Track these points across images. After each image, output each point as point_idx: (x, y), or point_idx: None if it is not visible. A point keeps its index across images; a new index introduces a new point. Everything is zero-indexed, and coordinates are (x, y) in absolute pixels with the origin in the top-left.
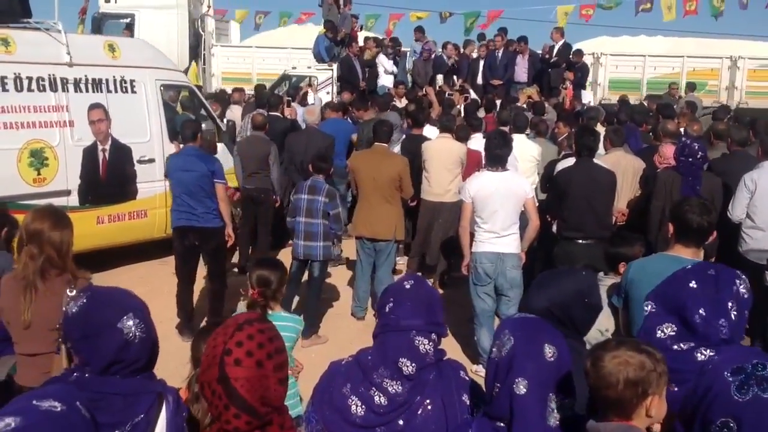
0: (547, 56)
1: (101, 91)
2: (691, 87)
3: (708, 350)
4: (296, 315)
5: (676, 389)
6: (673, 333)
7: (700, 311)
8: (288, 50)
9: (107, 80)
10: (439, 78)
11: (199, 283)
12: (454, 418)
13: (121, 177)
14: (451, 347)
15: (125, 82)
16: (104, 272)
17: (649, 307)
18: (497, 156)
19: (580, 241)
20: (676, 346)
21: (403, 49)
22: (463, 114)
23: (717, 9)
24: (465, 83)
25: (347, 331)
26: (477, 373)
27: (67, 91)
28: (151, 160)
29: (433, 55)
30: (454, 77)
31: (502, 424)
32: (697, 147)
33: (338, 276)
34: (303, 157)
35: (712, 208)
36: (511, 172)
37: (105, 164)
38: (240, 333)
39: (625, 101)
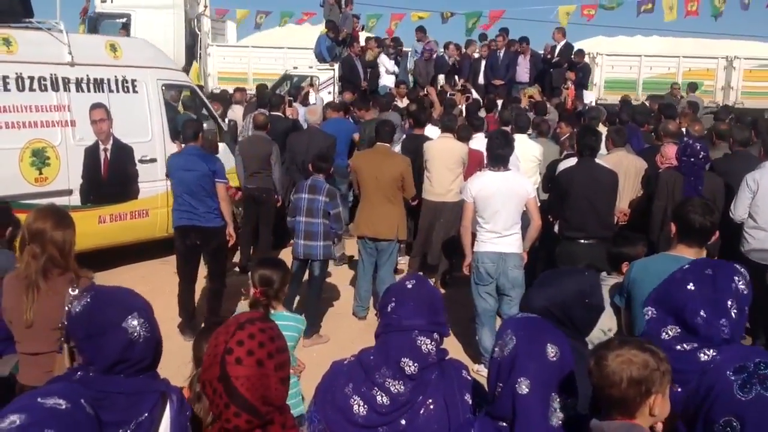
0: (548, 56)
1: (103, 91)
2: (693, 87)
3: (711, 350)
4: (298, 315)
5: (679, 390)
6: (677, 334)
7: (701, 313)
8: (284, 50)
9: (109, 80)
10: (441, 78)
11: (201, 282)
12: (456, 418)
13: (122, 176)
14: (453, 347)
15: (127, 82)
16: (105, 272)
17: (650, 312)
18: (499, 156)
19: (582, 241)
20: (679, 347)
21: (404, 49)
22: (464, 114)
23: (717, 9)
24: (467, 83)
25: (349, 331)
26: (478, 372)
27: (69, 90)
28: (153, 160)
29: (434, 55)
30: (456, 77)
31: (504, 424)
32: (699, 147)
33: (340, 276)
34: (305, 157)
35: (715, 208)
36: (512, 172)
37: (106, 164)
38: (241, 332)
39: (626, 101)
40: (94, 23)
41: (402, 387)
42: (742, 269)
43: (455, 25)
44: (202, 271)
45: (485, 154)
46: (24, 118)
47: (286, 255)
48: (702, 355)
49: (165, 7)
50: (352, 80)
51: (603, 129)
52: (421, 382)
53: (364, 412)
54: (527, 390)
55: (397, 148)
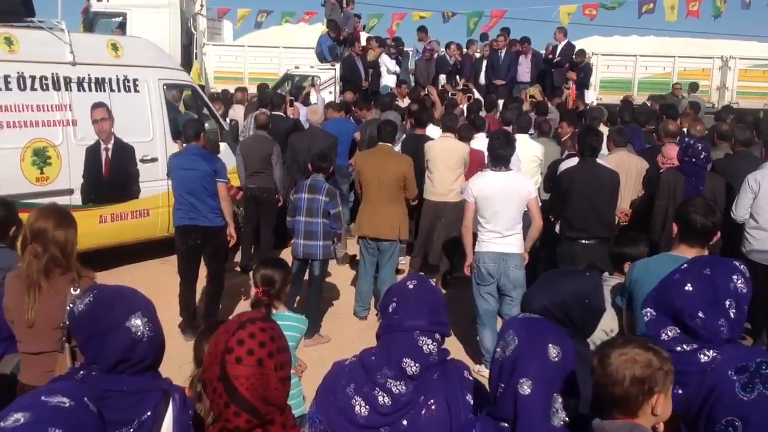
0: (550, 56)
1: (104, 90)
2: (694, 87)
3: (711, 351)
4: (300, 315)
5: (680, 392)
6: (677, 335)
7: (699, 315)
8: (280, 49)
9: (110, 79)
10: (442, 78)
11: (202, 282)
12: (458, 418)
13: (123, 176)
14: (454, 347)
15: (128, 81)
16: (106, 271)
17: (649, 314)
18: (500, 156)
19: (583, 241)
20: (679, 348)
21: (406, 48)
22: (465, 114)
23: (718, 9)
24: (468, 83)
25: (350, 331)
26: (479, 373)
27: (70, 90)
28: (154, 160)
29: (435, 55)
30: (457, 77)
31: (506, 425)
32: (700, 147)
33: (341, 276)
34: (306, 157)
35: (717, 208)
36: (514, 172)
37: (108, 163)
38: (242, 331)
39: (628, 101)
40: (90, 22)
41: (403, 387)
42: (742, 266)
43: (456, 24)
44: (204, 270)
45: (486, 154)
46: (25, 118)
47: (287, 255)
48: (702, 356)
49: (161, 6)
50: (353, 80)
51: (604, 129)
52: (422, 383)
53: (366, 413)
54: (529, 390)
55: (397, 148)
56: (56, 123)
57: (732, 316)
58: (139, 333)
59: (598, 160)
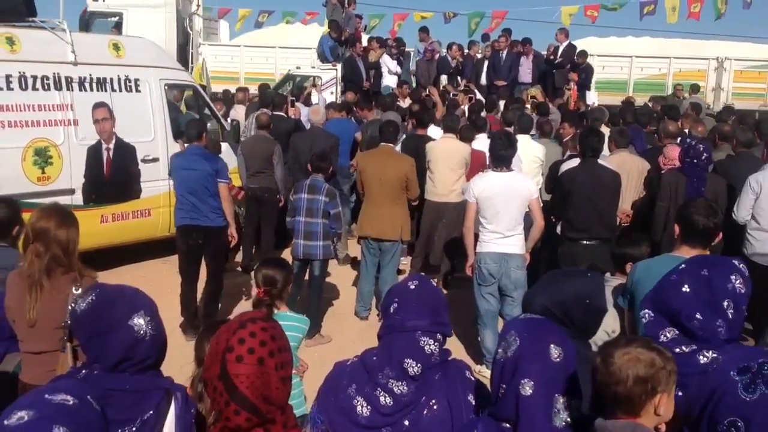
0: (551, 57)
1: (106, 90)
2: (695, 89)
3: (710, 352)
4: (302, 315)
5: (680, 393)
6: (675, 336)
7: (697, 316)
8: (276, 49)
9: (112, 79)
10: (444, 78)
11: (203, 281)
12: (459, 419)
13: (125, 176)
14: (455, 347)
15: (129, 81)
16: (107, 271)
17: (647, 315)
18: (502, 156)
19: (585, 242)
20: (678, 349)
21: (407, 49)
22: (467, 114)
23: (719, 11)
24: (469, 84)
25: (351, 331)
26: (480, 373)
27: (72, 90)
28: (155, 159)
29: (437, 56)
30: (458, 78)
31: (507, 425)
32: (702, 148)
33: (342, 276)
34: (308, 157)
35: (718, 209)
36: (515, 173)
37: (109, 163)
38: (243, 330)
39: (630, 102)
40: (86, 22)
41: (405, 388)
42: (741, 265)
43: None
44: (204, 270)
45: (488, 154)
46: (27, 117)
47: (288, 255)
48: (702, 357)
49: (157, 6)
50: (355, 80)
51: (606, 130)
52: (424, 383)
53: (368, 413)
54: (531, 391)
55: (397, 148)
56: (58, 123)
57: (730, 316)
58: (141, 332)
59: (600, 161)
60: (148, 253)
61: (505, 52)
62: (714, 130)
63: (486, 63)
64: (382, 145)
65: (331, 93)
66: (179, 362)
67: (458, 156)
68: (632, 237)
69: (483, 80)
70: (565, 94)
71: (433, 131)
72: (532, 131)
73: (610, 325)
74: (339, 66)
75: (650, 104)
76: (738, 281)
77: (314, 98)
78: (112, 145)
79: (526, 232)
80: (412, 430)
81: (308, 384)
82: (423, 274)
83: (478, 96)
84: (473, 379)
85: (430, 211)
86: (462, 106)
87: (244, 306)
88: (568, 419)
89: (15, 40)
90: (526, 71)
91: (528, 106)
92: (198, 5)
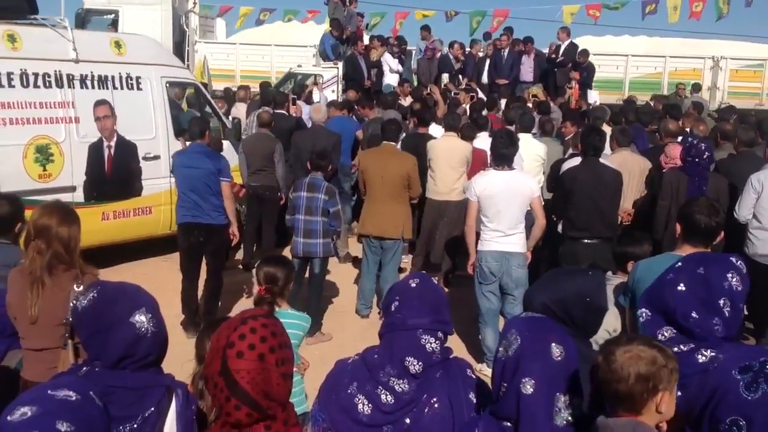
0: (553, 56)
1: (107, 88)
2: (696, 87)
3: (708, 351)
4: (303, 313)
5: (679, 394)
6: (673, 335)
7: (692, 314)
8: (272, 47)
9: (113, 77)
10: (445, 77)
11: (204, 279)
12: (460, 417)
13: (126, 174)
14: (456, 346)
15: (131, 79)
16: (108, 268)
17: (644, 314)
18: (503, 155)
19: (586, 240)
20: (676, 348)
21: (409, 47)
22: (468, 113)
23: (721, 11)
24: (471, 82)
25: (351, 330)
26: (481, 372)
27: (73, 87)
28: (156, 157)
29: (438, 54)
30: (460, 76)
31: (508, 424)
32: (703, 147)
33: (343, 274)
34: (309, 155)
35: (720, 208)
36: (517, 171)
37: (110, 161)
38: (243, 326)
39: (631, 101)
40: (83, 20)
41: (406, 386)
42: (738, 262)
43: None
44: (206, 268)
45: (489, 153)
46: (28, 115)
47: (289, 253)
48: (700, 356)
49: (153, 3)
50: (356, 78)
51: (607, 129)
52: (425, 381)
53: (369, 411)
54: (532, 390)
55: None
56: (59, 120)
57: (727, 314)
58: (143, 329)
59: (601, 160)
60: (149, 250)
61: (506, 50)
62: (716, 129)
63: (487, 61)
64: (384, 143)
65: (333, 91)
66: (180, 359)
67: (459, 154)
68: (634, 236)
69: (484, 79)
70: (567, 93)
71: (435, 130)
72: (533, 130)
73: (612, 324)
74: (340, 64)
75: (652, 103)
76: (735, 279)
77: (315, 96)
78: (113, 143)
79: (528, 230)
80: (413, 428)
81: (309, 382)
82: (424, 272)
83: (480, 94)
84: (474, 377)
85: (432, 210)
86: (463, 105)
87: (244, 304)
88: (570, 418)
89: (16, 37)
90: (527, 70)
91: (529, 104)
92: (194, 3)
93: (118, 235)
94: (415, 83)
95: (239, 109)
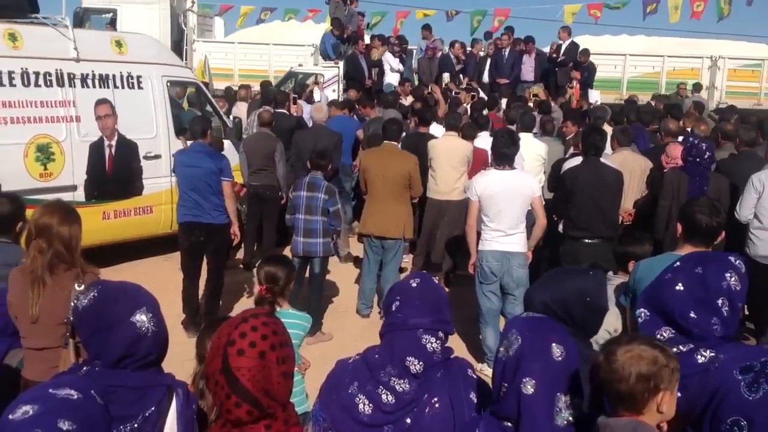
0: (554, 55)
1: (108, 87)
2: (697, 87)
3: (708, 351)
4: (304, 312)
5: (679, 395)
6: (671, 335)
7: (690, 315)
8: (270, 46)
9: (114, 76)
10: (446, 76)
11: (205, 278)
12: (461, 416)
13: (127, 173)
14: (457, 346)
15: (132, 78)
16: (109, 268)
17: (643, 314)
18: (504, 154)
19: (587, 240)
20: (675, 349)
21: (410, 47)
22: (469, 112)
23: (722, 11)
24: (472, 81)
25: (352, 329)
26: (482, 372)
27: (74, 86)
28: (157, 156)
29: (439, 53)
30: (461, 76)
31: (509, 424)
32: (704, 147)
33: (344, 274)
34: (310, 155)
35: (721, 208)
36: (518, 171)
37: (111, 160)
38: (244, 325)
39: (632, 101)
40: (81, 19)
41: (407, 386)
42: (737, 261)
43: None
44: (206, 267)
45: (490, 152)
46: (29, 114)
47: (289, 252)
48: (699, 357)
49: (151, 2)
50: (357, 78)
51: (608, 128)
52: (426, 381)
53: (370, 411)
54: (532, 390)
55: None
56: (60, 119)
57: (725, 314)
58: (143, 328)
59: (602, 160)
60: (149, 250)
61: (507, 50)
62: (717, 129)
63: (488, 61)
64: (386, 143)
65: (333, 91)
66: (180, 359)
67: (460, 154)
68: (634, 235)
69: (485, 78)
70: (568, 93)
71: (436, 129)
72: (534, 129)
73: (612, 324)
74: (341, 63)
75: (653, 102)
76: (733, 279)
77: (316, 96)
78: (114, 142)
79: (529, 230)
80: (414, 428)
81: (310, 382)
82: (425, 272)
83: (481, 94)
84: (475, 377)
85: (432, 209)
86: (464, 104)
87: (245, 303)
88: (570, 418)
89: (17, 36)
90: (528, 69)
91: (530, 104)
92: (193, 2)
93: (119, 234)
94: (416, 82)
95: (240, 109)
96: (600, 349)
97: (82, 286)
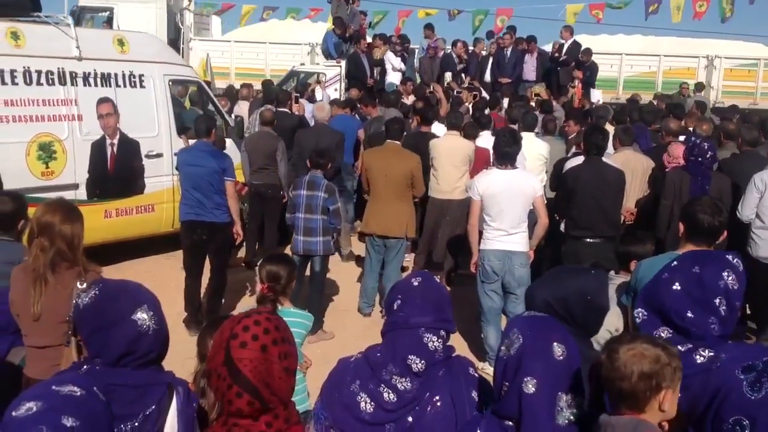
0: (556, 54)
1: (110, 86)
2: (699, 87)
3: (706, 350)
4: (305, 311)
5: (680, 394)
6: (669, 335)
7: (687, 314)
8: (266, 45)
9: (116, 74)
10: (448, 75)
11: (207, 276)
12: (463, 415)
13: (129, 171)
14: (458, 345)
15: (134, 77)
16: (110, 266)
17: (641, 314)
18: (506, 154)
19: (588, 239)
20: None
21: (412, 46)
22: (471, 111)
23: (724, 11)
24: (474, 81)
25: (354, 328)
26: (483, 370)
27: (76, 85)
28: (159, 155)
29: (440, 53)
30: (462, 75)
31: (510, 423)
32: (706, 147)
33: (346, 272)
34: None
35: (723, 208)
36: (520, 170)
37: (113, 158)
38: (247, 319)
39: (635, 100)
40: (77, 17)
41: (409, 384)
42: (735, 260)
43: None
44: (208, 265)
45: (492, 152)
46: (31, 112)
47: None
48: (698, 357)
49: (148, 1)
50: (359, 77)
51: (610, 128)
52: (427, 380)
53: (371, 409)
54: (534, 389)
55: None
56: (62, 118)
57: (723, 313)
58: (144, 326)
59: (604, 159)
60: (151, 248)
61: (509, 49)
62: (719, 128)
63: (490, 60)
64: (388, 142)
65: (335, 90)
66: (182, 357)
67: (462, 153)
68: (636, 235)
69: (487, 77)
70: (570, 92)
71: (437, 128)
72: (536, 129)
73: (614, 324)
74: (343, 63)
75: (655, 102)
76: (731, 277)
77: (318, 95)
78: (116, 141)
79: (530, 229)
80: (415, 426)
81: (311, 380)
82: (427, 270)
83: (483, 93)
84: (476, 375)
85: (434, 208)
86: (466, 104)
87: (247, 302)
88: (572, 417)
89: (19, 34)
90: (530, 68)
91: (532, 103)
92: (189, 0)
93: (120, 232)
94: (418, 82)
95: (242, 107)
96: (602, 347)
97: (84, 285)
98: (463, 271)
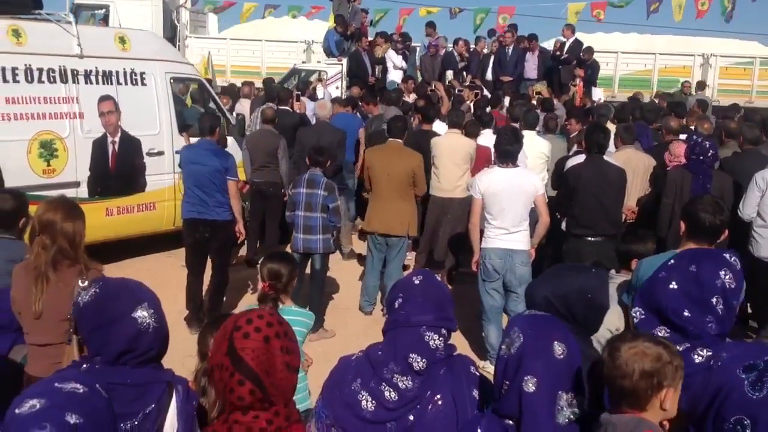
0: (557, 53)
1: (111, 83)
2: (701, 85)
3: (704, 350)
4: (307, 310)
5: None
6: (667, 335)
7: (684, 313)
8: (262, 42)
9: (117, 72)
10: (449, 74)
11: (209, 274)
12: (464, 413)
13: (130, 169)
14: (459, 343)
15: (135, 75)
16: (112, 264)
17: (638, 314)
18: (507, 152)
19: (590, 238)
20: None
21: (413, 44)
22: (472, 110)
23: (726, 9)
24: (475, 79)
25: (355, 326)
26: (484, 369)
27: (78, 82)
28: (160, 153)
29: (441, 51)
30: (464, 73)
31: (511, 422)
32: (707, 145)
33: (347, 271)
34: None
35: (725, 206)
36: (521, 169)
37: (114, 156)
38: (251, 313)
39: (636, 99)
40: (74, 14)
41: (410, 382)
42: (732, 258)
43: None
44: (210, 263)
45: (493, 150)
46: (32, 110)
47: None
48: (696, 356)
49: None
50: (360, 75)
51: (612, 126)
52: (428, 378)
53: (372, 408)
54: (534, 388)
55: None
56: (63, 115)
57: (720, 312)
58: (145, 324)
59: (606, 157)
60: (152, 246)
61: (511, 47)
62: (720, 126)
63: (492, 58)
64: (390, 140)
65: (337, 88)
66: (182, 355)
67: (463, 151)
68: (637, 233)
69: (489, 76)
70: (571, 90)
71: (439, 126)
72: (537, 127)
73: (614, 323)
74: (344, 60)
75: (656, 100)
76: (728, 277)
77: (319, 93)
78: (117, 138)
79: (532, 228)
80: (416, 424)
81: (312, 379)
82: (428, 269)
83: (484, 91)
84: (477, 374)
85: (435, 207)
86: (467, 102)
87: (248, 300)
88: (572, 416)
89: (21, 32)
90: (531, 67)
91: (533, 101)
92: None
93: (122, 230)
94: (419, 80)
95: (243, 105)
96: (604, 345)
97: (86, 282)
98: (464, 270)
